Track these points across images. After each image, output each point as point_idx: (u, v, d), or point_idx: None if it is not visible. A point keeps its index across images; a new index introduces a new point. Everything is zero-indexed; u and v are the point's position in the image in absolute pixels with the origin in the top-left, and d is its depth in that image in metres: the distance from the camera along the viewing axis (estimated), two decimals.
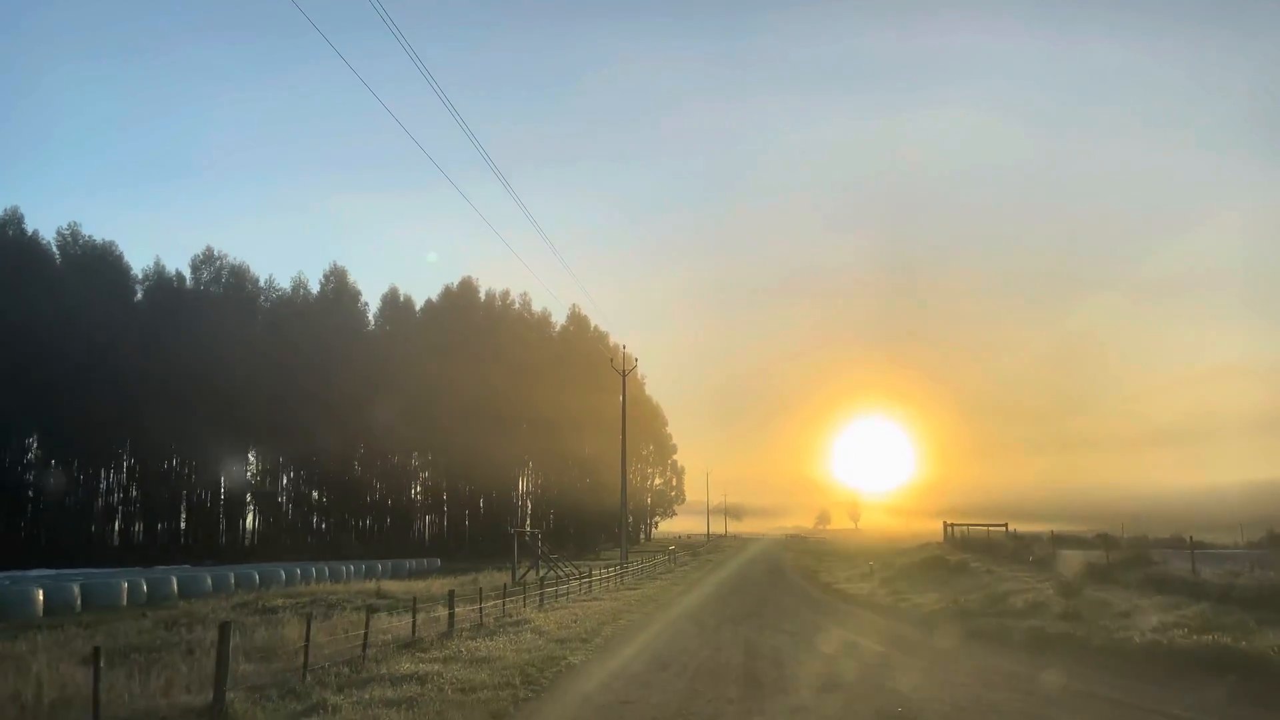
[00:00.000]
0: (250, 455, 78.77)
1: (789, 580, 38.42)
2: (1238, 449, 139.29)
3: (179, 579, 31.52)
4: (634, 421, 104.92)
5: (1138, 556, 24.34)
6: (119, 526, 75.28)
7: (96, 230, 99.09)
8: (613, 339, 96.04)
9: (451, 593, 18.83)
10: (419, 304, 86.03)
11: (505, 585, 26.17)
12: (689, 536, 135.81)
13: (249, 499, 78.24)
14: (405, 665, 12.85)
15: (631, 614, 22.47)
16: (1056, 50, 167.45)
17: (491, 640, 15.93)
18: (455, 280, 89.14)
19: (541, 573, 35.62)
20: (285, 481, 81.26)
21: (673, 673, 12.71)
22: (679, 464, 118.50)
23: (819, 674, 12.70)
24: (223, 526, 78.09)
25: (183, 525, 76.46)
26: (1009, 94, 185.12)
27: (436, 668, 12.53)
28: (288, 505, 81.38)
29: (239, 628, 15.14)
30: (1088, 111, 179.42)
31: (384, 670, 12.36)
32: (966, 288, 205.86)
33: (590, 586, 31.07)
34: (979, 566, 28.76)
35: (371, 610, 18.67)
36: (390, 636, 15.50)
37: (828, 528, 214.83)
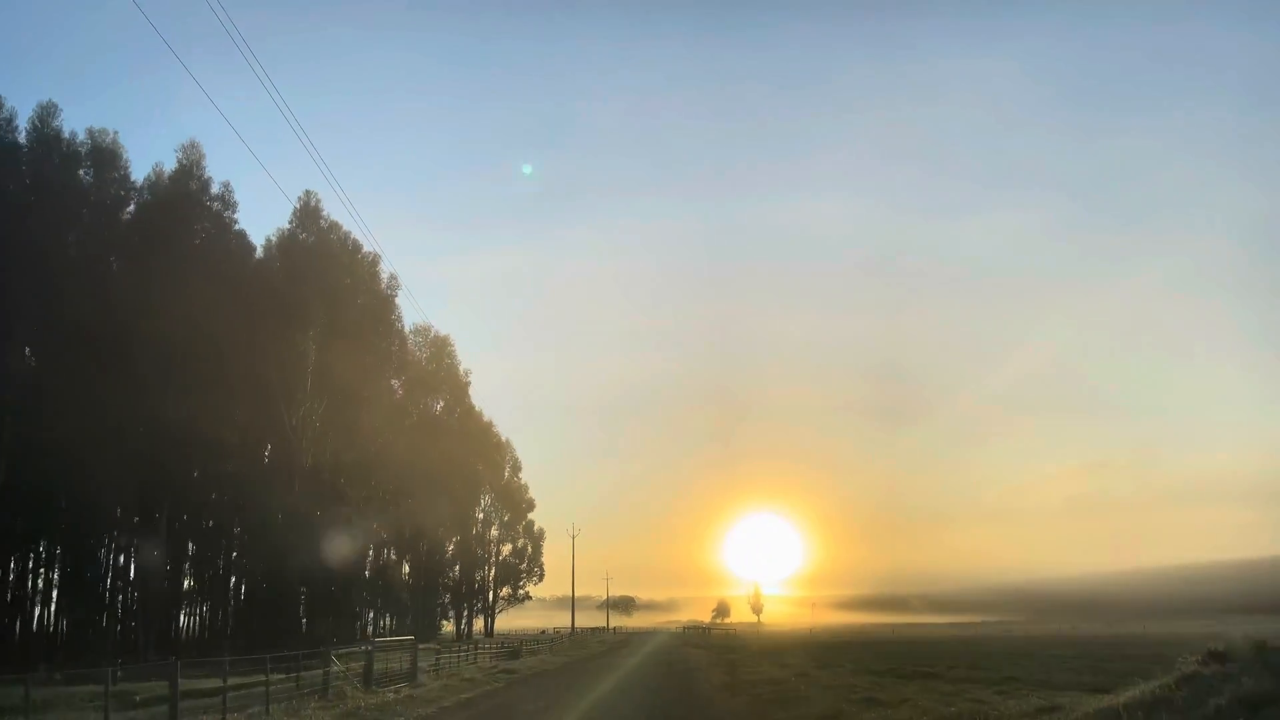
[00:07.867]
0: None
1: None
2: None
3: None
4: (459, 438, 69.07)
5: None
6: None
7: None
8: (384, 264, 60.34)
9: None
10: None
11: None
12: (555, 630, 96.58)
13: None
14: None
15: None
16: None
17: None
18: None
19: None
20: None
21: None
22: (537, 526, 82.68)
23: None
24: None
25: None
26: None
27: None
28: None
29: None
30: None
31: None
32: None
33: None
34: None
35: None
36: None
37: (726, 621, 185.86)
